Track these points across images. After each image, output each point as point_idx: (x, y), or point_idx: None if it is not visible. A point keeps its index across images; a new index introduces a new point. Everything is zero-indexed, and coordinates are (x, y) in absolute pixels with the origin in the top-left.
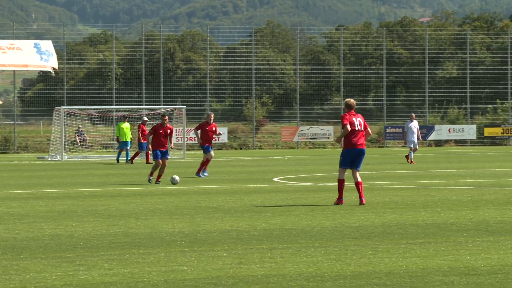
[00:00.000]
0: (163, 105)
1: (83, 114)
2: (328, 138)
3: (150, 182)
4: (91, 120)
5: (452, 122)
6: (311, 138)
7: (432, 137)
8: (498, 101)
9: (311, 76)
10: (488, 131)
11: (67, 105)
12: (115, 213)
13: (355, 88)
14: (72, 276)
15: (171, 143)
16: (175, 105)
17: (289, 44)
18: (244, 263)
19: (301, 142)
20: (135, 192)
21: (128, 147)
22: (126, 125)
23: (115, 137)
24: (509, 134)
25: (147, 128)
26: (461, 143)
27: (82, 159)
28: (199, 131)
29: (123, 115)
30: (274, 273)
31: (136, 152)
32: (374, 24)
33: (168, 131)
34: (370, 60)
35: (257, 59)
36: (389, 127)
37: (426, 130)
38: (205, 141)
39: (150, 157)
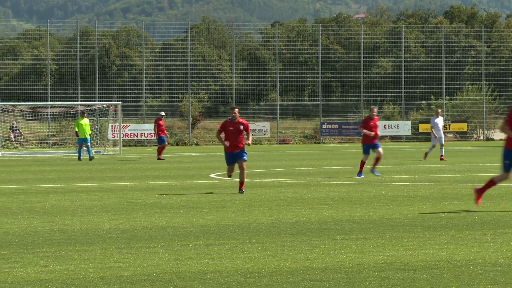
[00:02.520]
0: (99, 101)
1: (17, 110)
2: (265, 134)
3: (241, 192)
4: (25, 116)
5: (388, 118)
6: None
7: None
8: (432, 97)
9: (247, 72)
10: (423, 127)
11: (1, 101)
12: (50, 210)
13: (291, 85)
14: (7, 273)
15: (248, 139)
16: (111, 101)
17: (225, 40)
18: (181, 259)
19: None
20: (71, 189)
21: (89, 143)
22: (85, 121)
23: (74, 132)
24: (443, 130)
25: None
26: (396, 139)
27: (16, 155)
28: None
29: (82, 111)
30: (211, 269)
31: (159, 148)
32: (310, 20)
33: (241, 127)
34: (306, 56)
35: (193, 55)
36: (325, 123)
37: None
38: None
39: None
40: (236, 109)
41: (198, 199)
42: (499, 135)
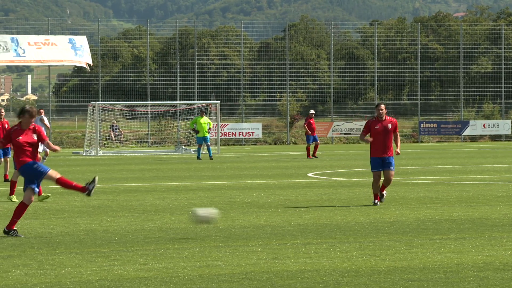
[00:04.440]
0: (198, 100)
1: (117, 109)
2: None
3: (375, 204)
4: (125, 115)
5: (487, 117)
6: (345, 133)
7: (467, 132)
8: None
9: (345, 71)
10: None
11: (101, 101)
12: (149, 208)
13: (389, 83)
14: (107, 271)
15: (397, 145)
16: (210, 100)
17: (323, 39)
18: (279, 258)
19: (335, 137)
20: (170, 188)
21: (208, 142)
22: (204, 120)
23: (192, 130)
24: None
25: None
26: (496, 138)
27: (116, 154)
28: None
29: (201, 110)
30: (309, 268)
31: (308, 147)
32: (409, 19)
33: (390, 125)
34: (405, 55)
35: (291, 54)
36: (424, 122)
37: (461, 125)
38: None
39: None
40: (383, 105)
41: (296, 198)
42: None
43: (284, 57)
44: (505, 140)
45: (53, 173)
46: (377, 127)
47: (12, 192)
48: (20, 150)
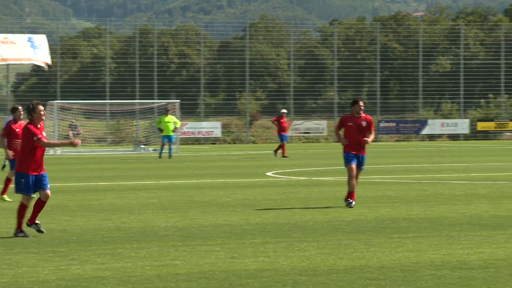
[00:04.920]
0: (157, 99)
1: (76, 108)
2: (322, 132)
3: (350, 205)
4: (84, 115)
5: (446, 116)
6: (304, 133)
7: (425, 131)
8: (491, 95)
9: (305, 70)
10: (481, 126)
11: (60, 100)
12: (108, 208)
13: (348, 83)
14: (65, 271)
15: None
16: (169, 99)
17: (283, 38)
18: (237, 257)
19: (295, 136)
20: (129, 187)
21: (173, 141)
22: (169, 119)
23: (157, 129)
24: (502, 129)
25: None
26: (454, 137)
27: (75, 153)
28: None
29: (166, 108)
30: (267, 268)
31: (280, 145)
32: (368, 18)
33: (364, 123)
34: (364, 54)
35: (251, 53)
36: (383, 121)
37: (419, 124)
38: None
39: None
40: (361, 102)
41: (254, 197)
42: None
43: (244, 56)
44: (463, 139)
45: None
46: (351, 124)
47: (4, 191)
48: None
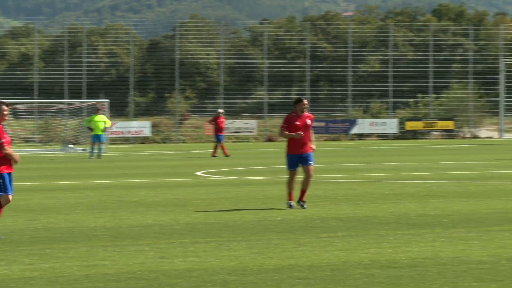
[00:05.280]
0: (86, 98)
1: None
2: (251, 132)
3: (291, 207)
4: (12, 114)
5: (375, 116)
6: (234, 132)
7: (355, 131)
8: (419, 95)
9: (235, 70)
10: (409, 125)
11: None
12: (35, 208)
13: (278, 82)
14: None
15: (311, 140)
16: (98, 98)
17: (213, 38)
18: (167, 257)
19: (224, 136)
20: (57, 187)
21: (103, 141)
22: (99, 118)
23: (87, 128)
24: (430, 128)
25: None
26: (383, 136)
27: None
28: None
29: (97, 108)
30: (197, 267)
31: (223, 145)
32: (298, 18)
33: (309, 121)
34: (294, 54)
35: (181, 53)
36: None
37: (348, 124)
38: None
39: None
40: (305, 100)
41: (184, 197)
42: (485, 133)
43: (173, 55)
44: (392, 139)
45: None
46: (298, 122)
47: None
48: None
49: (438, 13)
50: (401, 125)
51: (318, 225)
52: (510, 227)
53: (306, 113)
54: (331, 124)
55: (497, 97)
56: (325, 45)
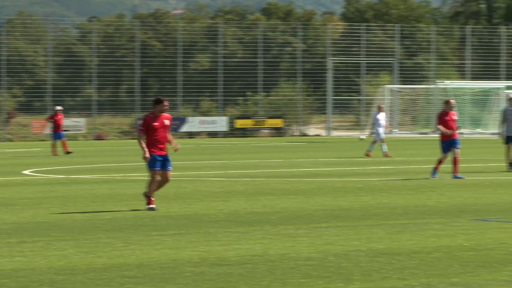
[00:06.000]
0: None
1: None
2: (80, 130)
3: (153, 210)
4: None
5: (204, 114)
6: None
7: (185, 129)
8: (249, 93)
9: (63, 67)
10: (239, 123)
11: None
12: None
13: (108, 80)
14: None
15: (171, 141)
16: None
17: (41, 35)
18: None
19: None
20: None
21: None
22: None
23: None
24: (259, 126)
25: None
26: (213, 134)
27: None
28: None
29: None
30: (24, 267)
31: (54, 143)
32: (128, 16)
33: (167, 121)
34: (124, 52)
35: (8, 50)
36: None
37: (178, 122)
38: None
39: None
40: (166, 101)
41: (11, 196)
42: (313, 131)
43: (0, 53)
44: (222, 137)
45: None
46: (157, 123)
47: None
48: None
49: (267, 12)
50: (231, 123)
51: (148, 224)
52: (337, 223)
53: (164, 114)
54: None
55: (324, 95)
56: (155, 43)
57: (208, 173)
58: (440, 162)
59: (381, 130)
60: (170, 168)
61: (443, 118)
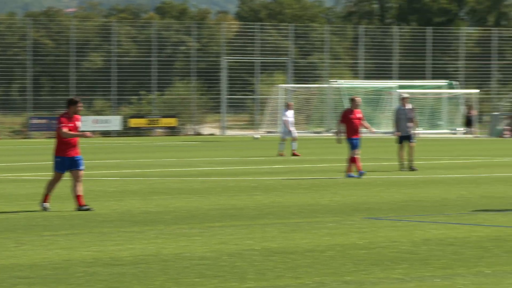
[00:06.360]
0: None
1: None
2: None
3: (46, 210)
4: None
5: (98, 113)
6: None
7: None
8: (143, 92)
9: None
10: (133, 122)
11: None
12: None
13: None
14: None
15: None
16: None
17: None
18: None
19: None
20: None
21: None
22: None
23: None
24: (153, 125)
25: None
26: (106, 134)
27: None
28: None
29: None
30: None
31: None
32: (19, 13)
33: (79, 123)
34: (15, 50)
35: None
36: (35, 118)
37: None
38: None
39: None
40: (80, 102)
41: None
42: (208, 130)
43: None
44: (116, 136)
45: None
46: (72, 124)
47: None
48: None
49: (161, 10)
50: (125, 122)
51: (40, 224)
52: (231, 223)
53: (76, 115)
54: (54, 121)
55: (219, 94)
56: (48, 41)
57: (102, 172)
58: (352, 160)
59: (292, 128)
60: (82, 167)
61: (347, 116)
